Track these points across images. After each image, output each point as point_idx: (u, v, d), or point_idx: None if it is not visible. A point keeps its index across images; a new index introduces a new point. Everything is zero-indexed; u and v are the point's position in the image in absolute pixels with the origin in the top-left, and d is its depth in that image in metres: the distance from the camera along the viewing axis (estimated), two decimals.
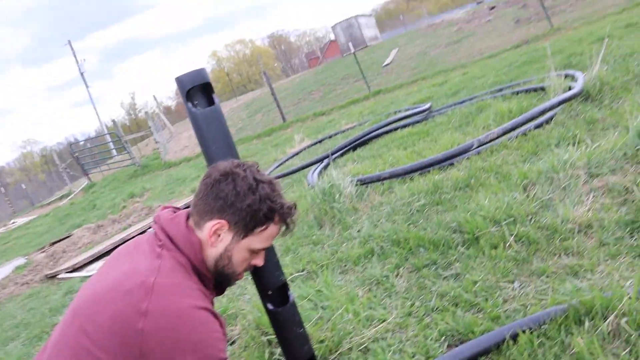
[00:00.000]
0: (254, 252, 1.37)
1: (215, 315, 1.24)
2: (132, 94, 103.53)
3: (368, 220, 3.55)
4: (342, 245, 3.32)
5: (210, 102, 1.54)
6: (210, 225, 1.30)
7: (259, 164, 1.40)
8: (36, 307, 5.91)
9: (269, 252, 1.55)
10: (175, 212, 1.41)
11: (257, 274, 1.56)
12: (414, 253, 2.86)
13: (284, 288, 1.59)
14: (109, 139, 25.97)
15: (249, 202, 1.28)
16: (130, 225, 9.41)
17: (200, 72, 1.53)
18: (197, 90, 1.54)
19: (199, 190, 1.36)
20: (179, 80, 1.53)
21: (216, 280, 1.38)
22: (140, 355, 1.13)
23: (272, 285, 1.56)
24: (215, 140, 1.51)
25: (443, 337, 2.06)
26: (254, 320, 2.48)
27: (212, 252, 1.32)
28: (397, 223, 3.29)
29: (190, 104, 1.52)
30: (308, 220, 3.93)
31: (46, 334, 4.53)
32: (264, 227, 1.33)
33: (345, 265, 3.05)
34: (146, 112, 21.44)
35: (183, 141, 22.76)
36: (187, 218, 1.36)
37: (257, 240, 1.34)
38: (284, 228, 1.40)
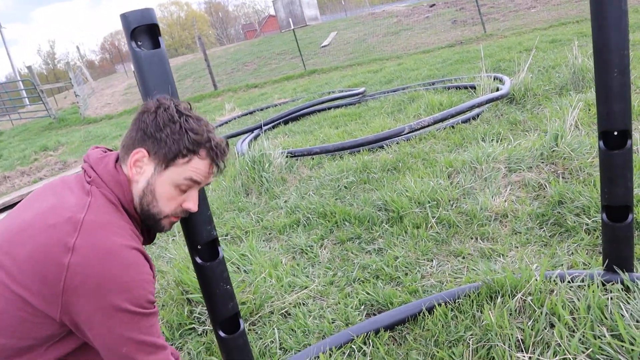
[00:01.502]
0: (180, 190, 1.28)
1: (145, 257, 1.19)
2: (52, 42, 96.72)
3: (296, 192, 3.56)
4: (268, 214, 3.32)
5: (156, 44, 1.47)
6: (131, 156, 1.24)
7: (191, 105, 1.34)
8: None
9: (202, 205, 1.51)
10: (105, 152, 1.34)
11: (188, 226, 1.52)
12: (339, 227, 2.91)
13: (214, 243, 1.56)
14: (22, 87, 24.19)
15: (167, 132, 1.22)
16: (41, 179, 8.86)
17: (148, 12, 1.45)
18: (143, 31, 1.46)
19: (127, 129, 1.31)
20: (124, 17, 1.44)
21: (144, 223, 1.32)
22: (63, 291, 1.06)
23: (202, 240, 1.52)
24: (157, 84, 1.43)
25: (363, 306, 2.13)
26: (174, 279, 2.43)
27: (136, 189, 1.26)
28: (324, 197, 3.34)
29: (134, 44, 1.44)
30: (235, 187, 3.89)
31: None
32: (186, 158, 1.25)
33: (270, 234, 3.05)
34: (67, 63, 20.07)
35: (105, 98, 21.66)
36: (117, 160, 1.30)
37: (180, 173, 1.25)
38: (214, 168, 1.32)
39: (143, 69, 1.44)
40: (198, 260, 1.54)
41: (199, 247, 1.55)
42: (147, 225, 1.33)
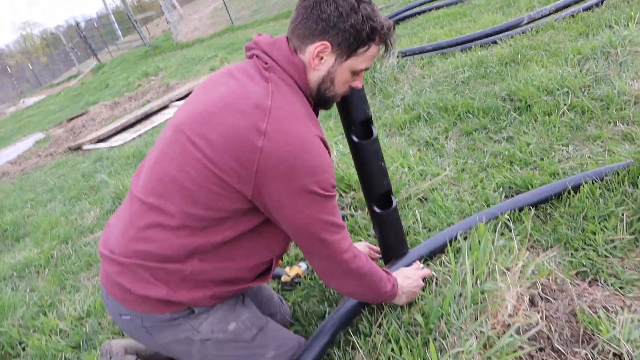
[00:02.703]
0: (355, 74, 1.34)
1: (325, 145, 1.26)
2: None
3: (410, 90, 3.54)
4: (385, 112, 3.34)
5: None
6: (313, 48, 1.26)
7: None
8: (66, 174, 6.07)
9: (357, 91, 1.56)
10: (272, 37, 1.38)
11: (345, 108, 1.58)
12: (462, 119, 2.88)
13: (368, 122, 1.62)
14: (114, 19, 25.19)
15: (351, 22, 1.22)
16: (149, 101, 9.39)
17: None
18: None
19: (297, 15, 1.29)
20: None
21: (315, 103, 1.39)
22: (256, 173, 1.15)
23: (358, 119, 1.58)
24: None
25: (501, 189, 2.14)
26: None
27: (315, 75, 1.30)
28: (441, 93, 3.29)
29: None
30: None
31: (84, 195, 4.71)
32: (365, 47, 1.28)
33: (390, 130, 3.09)
34: None
35: (193, 23, 22.06)
36: (287, 42, 1.31)
37: (360, 61, 1.30)
38: (383, 49, 1.34)
39: None
40: (354, 138, 1.61)
41: (353, 127, 1.61)
42: (317, 104, 1.39)
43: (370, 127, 1.64)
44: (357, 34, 1.25)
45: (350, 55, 1.28)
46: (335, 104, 1.57)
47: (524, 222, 1.86)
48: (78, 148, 7.63)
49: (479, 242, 1.57)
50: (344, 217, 2.27)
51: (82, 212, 4.09)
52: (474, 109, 2.90)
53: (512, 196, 2.10)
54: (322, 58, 1.28)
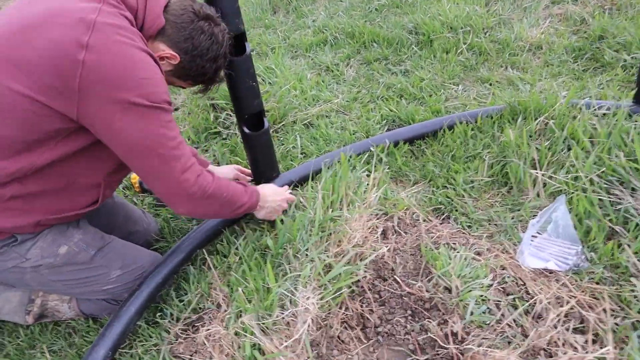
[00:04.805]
0: (178, 85, 1.44)
1: (155, 60, 1.18)
2: None
3: (325, 11, 3.43)
4: (295, 32, 3.23)
5: None
6: (166, 48, 1.27)
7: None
8: None
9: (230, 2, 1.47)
10: None
11: None
12: (367, 47, 2.84)
13: (241, 38, 1.54)
14: None
15: (205, 66, 1.35)
16: None
17: None
18: None
19: (183, 14, 1.29)
20: None
21: None
22: (79, 90, 1.06)
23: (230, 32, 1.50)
24: None
25: (384, 121, 2.16)
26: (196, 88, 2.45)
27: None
28: (353, 18, 3.21)
29: None
30: (262, 4, 3.74)
31: None
32: (195, 83, 1.45)
33: (297, 51, 3.00)
34: None
35: None
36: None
37: (185, 83, 1.42)
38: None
39: None
40: None
41: None
42: None
43: (243, 43, 1.56)
44: (201, 76, 1.38)
45: (182, 79, 1.38)
46: None
47: (397, 157, 1.90)
48: None
49: (336, 173, 1.59)
50: (228, 136, 2.22)
51: None
52: (379, 38, 2.86)
53: (392, 129, 2.13)
54: (163, 59, 1.29)
